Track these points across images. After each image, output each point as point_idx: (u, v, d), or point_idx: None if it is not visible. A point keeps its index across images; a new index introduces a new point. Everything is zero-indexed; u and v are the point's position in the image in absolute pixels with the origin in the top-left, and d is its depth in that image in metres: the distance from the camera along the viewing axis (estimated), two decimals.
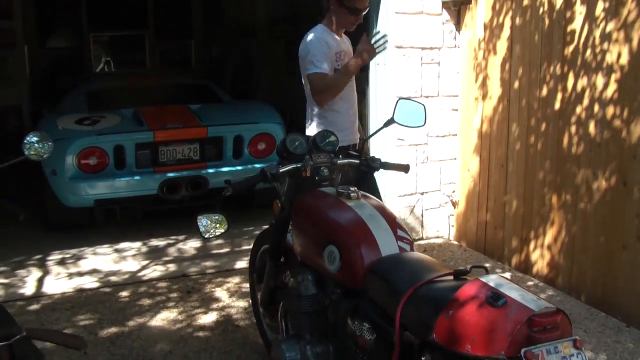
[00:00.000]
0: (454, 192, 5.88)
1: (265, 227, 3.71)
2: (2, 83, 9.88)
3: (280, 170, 2.98)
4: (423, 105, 3.27)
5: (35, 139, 3.06)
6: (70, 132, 5.95)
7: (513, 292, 1.98)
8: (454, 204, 5.89)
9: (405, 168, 3.31)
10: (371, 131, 5.38)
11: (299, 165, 3.00)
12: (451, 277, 2.27)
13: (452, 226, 5.95)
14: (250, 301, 4.07)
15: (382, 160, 3.24)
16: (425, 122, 3.29)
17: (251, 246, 3.71)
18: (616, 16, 4.18)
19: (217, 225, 2.99)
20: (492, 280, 2.07)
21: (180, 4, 12.74)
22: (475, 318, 1.95)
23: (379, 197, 3.78)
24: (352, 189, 2.90)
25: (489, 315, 1.93)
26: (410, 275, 2.35)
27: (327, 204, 2.87)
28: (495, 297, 1.95)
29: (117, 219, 6.50)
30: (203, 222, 2.95)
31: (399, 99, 3.28)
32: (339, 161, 3.13)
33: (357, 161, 3.21)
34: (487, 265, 5.20)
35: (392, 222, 2.74)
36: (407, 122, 3.28)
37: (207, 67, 12.23)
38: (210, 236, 3.00)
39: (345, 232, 2.69)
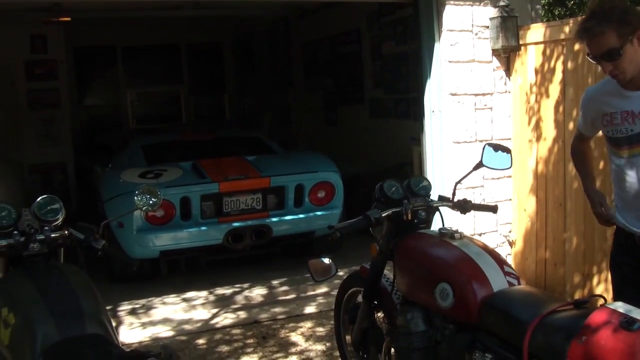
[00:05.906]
0: (510, 232, 6.03)
1: (355, 269, 3.87)
2: (48, 141, 10.08)
3: (383, 215, 3.17)
4: (509, 149, 3.45)
5: (147, 194, 3.31)
6: (136, 186, 6.15)
7: None
8: (511, 244, 6.04)
9: (493, 209, 3.50)
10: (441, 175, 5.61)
11: (399, 209, 3.19)
12: (572, 307, 2.44)
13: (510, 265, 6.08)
14: (335, 343, 4.19)
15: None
16: (511, 164, 3.47)
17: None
18: None
19: (327, 269, 3.20)
20: (620, 307, 2.23)
21: (213, 59, 13.14)
22: (612, 342, 2.10)
23: None
24: (455, 229, 3.10)
25: (627, 339, 2.08)
26: (531, 306, 2.52)
27: (434, 244, 3.07)
28: (630, 322, 2.10)
29: (181, 269, 6.67)
30: (315, 266, 3.16)
31: (486, 144, 3.46)
32: (434, 204, 3.33)
33: (451, 203, 3.40)
34: None
35: (498, 258, 2.94)
36: (494, 165, 3.45)
37: (242, 119, 12.54)
38: (322, 279, 3.19)
39: (456, 269, 2.87)
